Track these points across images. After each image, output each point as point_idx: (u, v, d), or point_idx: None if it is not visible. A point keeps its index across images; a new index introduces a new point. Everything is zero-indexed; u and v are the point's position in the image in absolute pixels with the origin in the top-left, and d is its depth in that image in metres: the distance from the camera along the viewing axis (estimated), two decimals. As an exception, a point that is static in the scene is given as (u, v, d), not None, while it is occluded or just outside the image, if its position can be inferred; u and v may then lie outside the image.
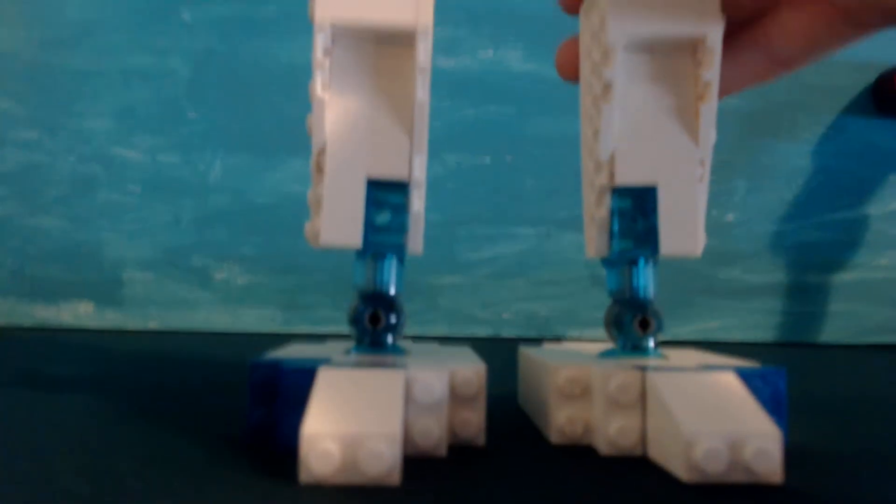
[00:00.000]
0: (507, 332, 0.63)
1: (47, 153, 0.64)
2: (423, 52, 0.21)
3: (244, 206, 0.64)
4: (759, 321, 0.65)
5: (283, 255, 0.63)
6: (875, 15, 0.20)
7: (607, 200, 0.23)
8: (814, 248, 0.65)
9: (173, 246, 0.64)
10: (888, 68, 0.63)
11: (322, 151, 0.21)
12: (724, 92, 0.23)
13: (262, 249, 0.64)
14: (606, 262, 0.24)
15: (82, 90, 0.64)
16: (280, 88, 0.64)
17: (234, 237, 0.64)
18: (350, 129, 0.21)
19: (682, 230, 0.22)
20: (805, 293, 0.65)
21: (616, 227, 0.23)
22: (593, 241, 0.24)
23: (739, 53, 0.22)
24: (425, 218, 0.23)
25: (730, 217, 0.65)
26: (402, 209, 0.22)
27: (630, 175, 0.22)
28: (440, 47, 0.64)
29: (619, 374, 0.20)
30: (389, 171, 0.22)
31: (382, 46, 0.22)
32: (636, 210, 0.23)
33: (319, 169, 0.21)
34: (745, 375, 0.20)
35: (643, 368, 0.20)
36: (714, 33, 0.22)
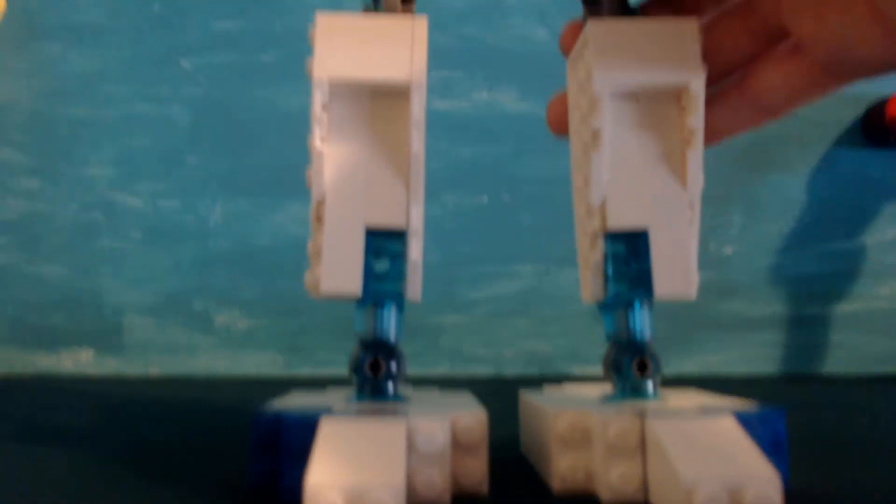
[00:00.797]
0: (510, 371, 0.63)
1: (48, 201, 0.65)
2: (418, 105, 0.22)
3: (245, 249, 0.64)
4: (761, 354, 0.65)
5: (284, 298, 0.63)
6: (850, 68, 0.21)
7: (600, 245, 0.23)
8: (813, 279, 0.66)
9: (174, 291, 0.64)
10: (877, 100, 0.64)
11: (321, 202, 0.22)
12: (716, 137, 0.23)
13: (263, 293, 0.64)
14: (602, 305, 0.25)
15: (83, 138, 0.65)
16: (278, 133, 0.65)
17: (234, 281, 0.64)
18: (348, 181, 0.22)
19: (675, 273, 0.22)
20: (806, 325, 0.65)
21: (610, 271, 0.23)
22: (588, 285, 0.24)
23: (726, 101, 0.23)
24: (425, 258, 0.23)
25: (728, 250, 0.65)
26: (400, 257, 0.23)
27: (621, 219, 0.23)
28: (436, 90, 0.66)
29: (618, 421, 0.20)
30: (387, 220, 0.22)
31: (378, 99, 0.23)
32: (629, 254, 0.23)
33: (319, 219, 0.22)
34: (744, 419, 0.20)
35: (642, 414, 0.21)
36: (696, 81, 0.22)
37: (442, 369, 0.63)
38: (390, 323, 0.24)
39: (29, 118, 0.65)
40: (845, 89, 0.22)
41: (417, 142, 0.22)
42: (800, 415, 0.24)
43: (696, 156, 0.22)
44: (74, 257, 0.64)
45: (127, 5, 0.65)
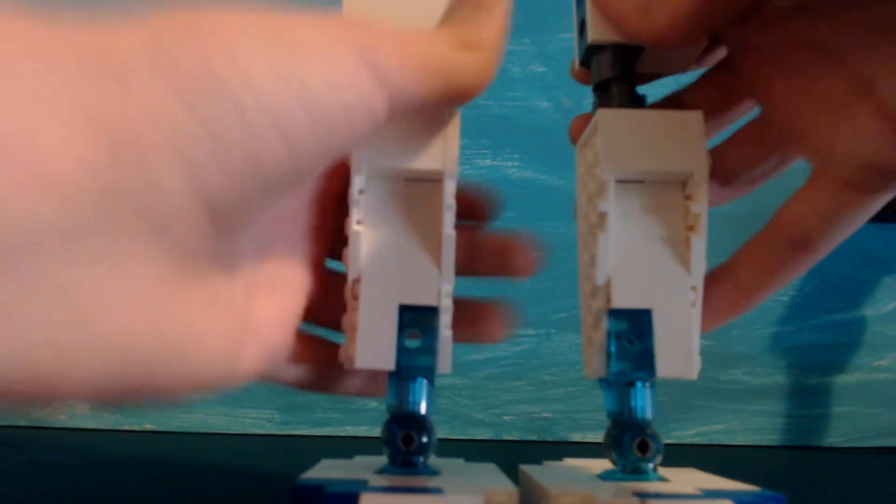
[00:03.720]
0: (509, 435, 0.63)
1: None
2: (450, 191, 0.23)
3: (246, 306, 0.64)
4: (762, 424, 0.64)
5: (284, 355, 0.63)
6: (877, 179, 0.21)
7: (604, 323, 0.24)
8: (813, 349, 0.66)
9: (174, 346, 0.64)
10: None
11: (357, 281, 0.23)
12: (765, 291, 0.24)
13: (263, 350, 0.64)
14: (604, 382, 0.25)
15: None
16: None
17: (235, 337, 0.64)
18: (383, 260, 0.23)
19: (678, 353, 0.23)
20: (806, 396, 0.65)
21: (613, 349, 0.24)
22: (591, 361, 0.24)
23: (763, 246, 0.24)
24: None
25: (727, 318, 0.65)
26: (430, 333, 0.23)
27: (626, 299, 0.23)
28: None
29: (619, 503, 0.20)
30: (420, 298, 0.23)
31: (412, 183, 0.24)
32: (632, 333, 0.24)
33: (355, 297, 0.23)
34: (743, 503, 0.20)
35: (642, 496, 0.21)
36: (701, 169, 0.23)
37: (441, 431, 0.62)
38: (421, 396, 0.24)
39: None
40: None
41: (449, 224, 0.23)
42: (801, 489, 0.24)
43: (700, 241, 0.23)
44: (77, 310, 0.65)
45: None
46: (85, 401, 0.14)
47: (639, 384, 0.24)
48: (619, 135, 0.23)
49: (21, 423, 0.62)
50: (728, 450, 0.61)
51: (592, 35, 0.24)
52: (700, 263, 0.23)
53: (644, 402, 0.24)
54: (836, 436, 0.64)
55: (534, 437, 0.63)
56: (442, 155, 0.23)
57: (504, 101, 0.69)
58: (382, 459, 0.25)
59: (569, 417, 0.63)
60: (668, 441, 0.61)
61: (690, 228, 0.23)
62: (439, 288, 0.23)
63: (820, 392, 0.65)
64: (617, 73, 0.25)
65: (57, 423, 0.62)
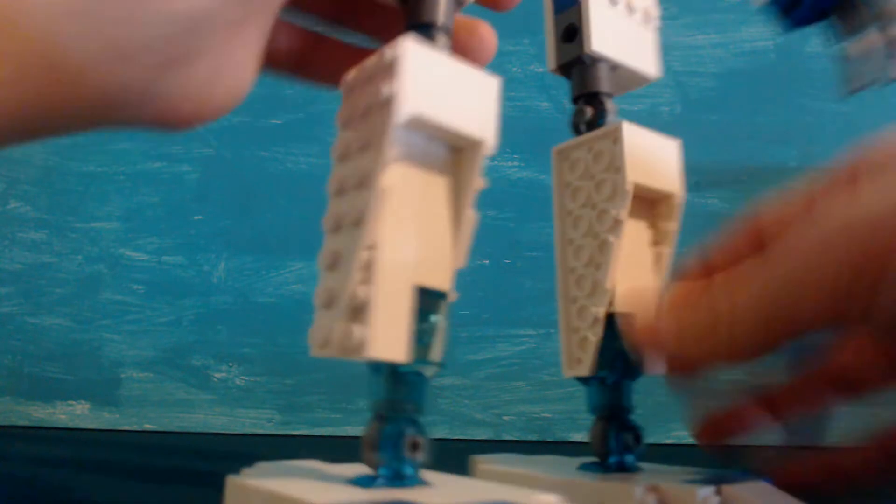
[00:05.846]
0: (509, 435, 0.63)
1: (54, 253, 0.65)
2: (481, 165, 0.20)
3: (246, 306, 0.65)
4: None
5: (283, 355, 0.63)
6: None
7: (601, 325, 0.24)
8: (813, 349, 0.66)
9: (173, 346, 0.64)
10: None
11: (373, 247, 0.18)
12: None
13: (262, 349, 0.64)
14: (582, 379, 0.25)
15: (92, 193, 0.66)
16: (284, 194, 0.66)
17: (234, 337, 0.64)
18: (402, 233, 0.19)
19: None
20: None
21: (616, 349, 0.24)
22: (580, 361, 0.25)
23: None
24: None
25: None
26: (429, 320, 0.20)
27: (626, 304, 0.24)
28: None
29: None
30: (434, 282, 0.19)
31: (435, 143, 0.20)
32: (612, 334, 0.24)
33: (365, 266, 0.18)
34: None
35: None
36: (680, 191, 0.26)
37: (441, 431, 0.62)
38: (421, 391, 0.20)
39: (40, 172, 0.66)
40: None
41: (470, 203, 0.20)
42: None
43: (669, 253, 0.26)
44: (76, 309, 0.65)
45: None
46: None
47: (626, 381, 0.25)
48: (640, 149, 0.25)
49: (21, 422, 0.62)
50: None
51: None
52: (666, 272, 0.25)
53: (627, 398, 0.25)
54: (837, 436, 0.64)
55: (534, 437, 0.63)
56: (483, 124, 0.20)
57: (504, 101, 0.68)
58: (307, 465, 0.21)
59: (568, 417, 0.63)
60: (668, 441, 0.61)
61: (657, 243, 0.26)
62: (453, 273, 0.20)
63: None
64: (608, 89, 0.27)
65: (57, 423, 0.62)
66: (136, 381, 0.64)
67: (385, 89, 0.18)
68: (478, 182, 0.20)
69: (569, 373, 0.25)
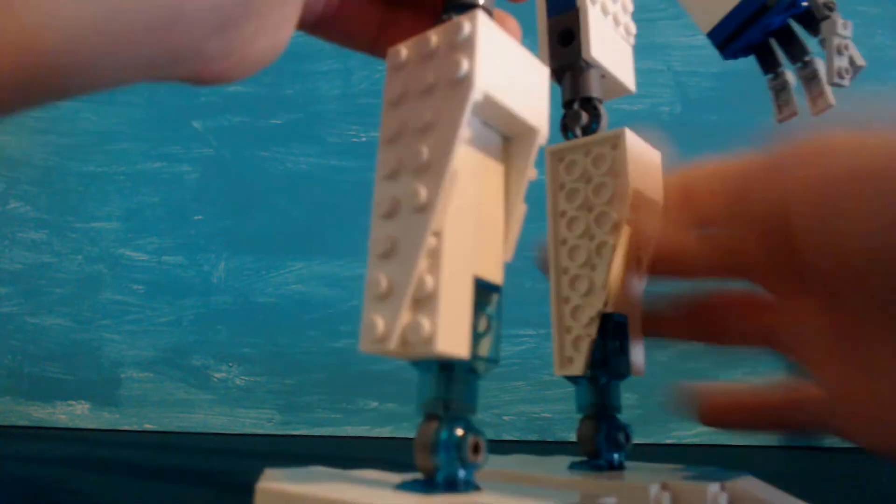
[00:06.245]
0: (509, 435, 0.63)
1: (54, 253, 0.65)
2: (534, 156, 0.19)
3: (246, 306, 0.65)
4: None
5: (282, 355, 0.63)
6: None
7: (596, 324, 0.24)
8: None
9: (173, 346, 0.64)
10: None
11: (439, 234, 0.17)
12: None
13: (262, 349, 0.64)
14: (572, 378, 0.26)
15: (93, 193, 0.66)
16: (283, 194, 0.66)
17: (234, 337, 0.64)
18: (464, 223, 0.18)
19: (640, 355, 0.25)
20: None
21: (610, 349, 0.24)
22: (562, 358, 0.25)
23: None
24: None
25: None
26: (485, 314, 0.19)
27: (619, 304, 0.24)
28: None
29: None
30: (489, 275, 0.18)
31: (489, 130, 0.19)
32: (618, 335, 0.25)
33: (432, 254, 0.17)
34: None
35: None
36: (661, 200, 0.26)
37: (440, 432, 0.62)
38: (474, 390, 0.19)
39: (40, 172, 0.66)
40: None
41: (521, 193, 0.19)
42: (802, 489, 0.25)
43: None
44: (76, 309, 0.65)
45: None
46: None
47: (614, 381, 0.25)
48: (638, 156, 0.25)
49: (21, 422, 0.62)
50: (728, 450, 0.61)
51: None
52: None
53: (616, 397, 0.25)
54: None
55: (534, 437, 0.63)
56: (542, 113, 0.19)
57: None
58: (328, 470, 0.19)
59: (568, 417, 0.63)
60: (668, 441, 0.61)
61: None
62: (503, 266, 0.19)
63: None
64: (599, 95, 0.27)
65: (57, 423, 0.62)
66: (136, 381, 0.64)
67: (464, 65, 0.17)
68: (532, 172, 0.19)
69: (560, 371, 0.25)
